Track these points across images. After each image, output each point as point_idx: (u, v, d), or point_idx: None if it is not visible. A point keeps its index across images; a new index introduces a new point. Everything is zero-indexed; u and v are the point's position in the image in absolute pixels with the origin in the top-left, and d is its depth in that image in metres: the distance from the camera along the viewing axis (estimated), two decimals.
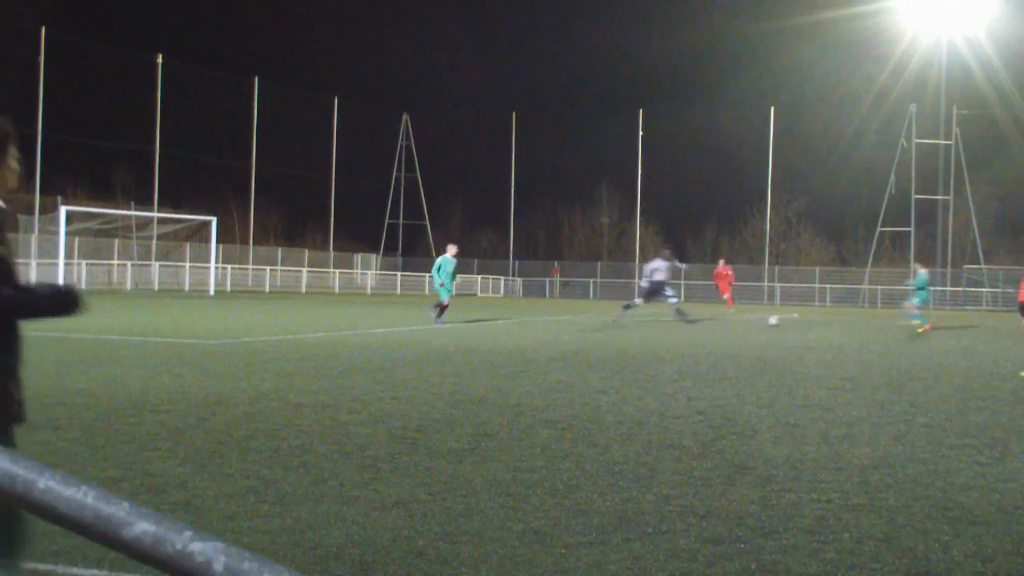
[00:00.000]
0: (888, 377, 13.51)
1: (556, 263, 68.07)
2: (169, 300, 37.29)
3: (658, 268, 26.59)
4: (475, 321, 24.83)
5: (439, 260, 24.58)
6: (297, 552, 4.75)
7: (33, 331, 20.36)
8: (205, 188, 58.39)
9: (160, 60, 51.56)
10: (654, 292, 26.60)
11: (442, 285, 24.34)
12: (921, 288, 26.24)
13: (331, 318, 27.04)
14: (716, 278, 39.78)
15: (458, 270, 25.70)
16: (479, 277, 64.43)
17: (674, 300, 27.42)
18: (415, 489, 6.06)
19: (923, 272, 26.71)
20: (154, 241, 50.49)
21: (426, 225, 71.17)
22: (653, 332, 23.66)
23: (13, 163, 3.86)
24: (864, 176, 66.17)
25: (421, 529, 5.17)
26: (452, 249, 24.88)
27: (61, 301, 3.70)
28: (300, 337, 18.89)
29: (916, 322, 25.98)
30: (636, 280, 64.28)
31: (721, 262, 41.23)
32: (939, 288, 56.54)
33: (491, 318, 28.52)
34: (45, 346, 15.22)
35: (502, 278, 66.46)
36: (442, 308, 24.37)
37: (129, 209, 50.20)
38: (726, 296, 39.58)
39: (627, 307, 27.07)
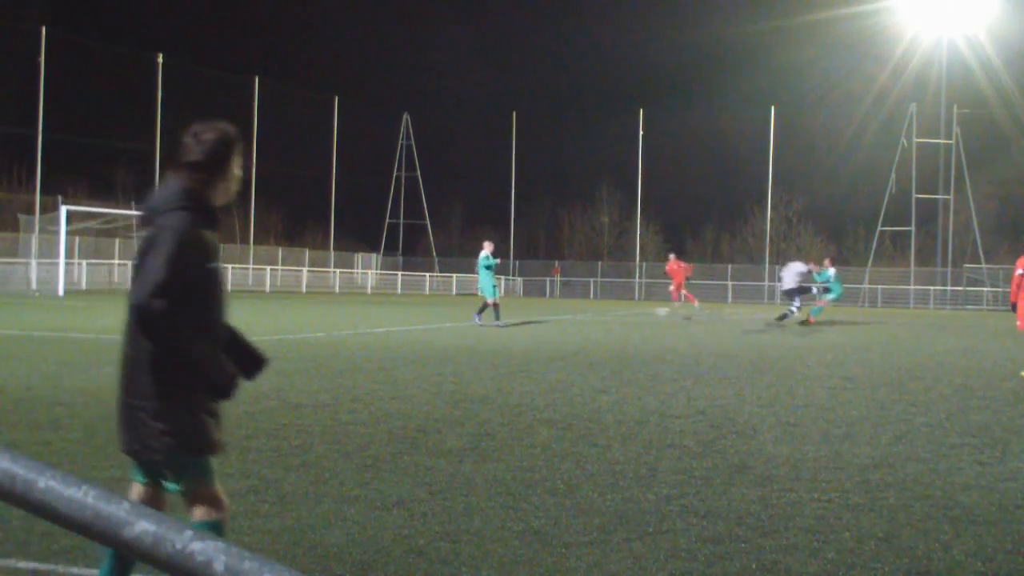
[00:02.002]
0: (888, 377, 13.51)
1: (556, 263, 68.07)
2: None
3: (798, 271, 27.19)
4: (525, 323, 24.87)
5: (489, 260, 23.88)
6: (297, 552, 4.75)
7: (32, 331, 20.25)
8: None
9: (160, 60, 51.57)
10: (803, 291, 27.15)
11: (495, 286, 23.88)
12: (831, 283, 26.83)
13: (331, 318, 27.04)
14: (670, 273, 38.19)
15: (476, 269, 24.89)
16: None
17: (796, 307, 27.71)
18: (415, 489, 6.06)
19: (831, 269, 27.21)
20: None
21: (426, 225, 71.20)
22: (653, 332, 23.67)
23: (238, 171, 3.78)
24: (864, 176, 66.25)
25: (421, 529, 5.17)
26: (489, 246, 24.37)
27: (226, 386, 3.63)
28: (300, 337, 18.90)
29: (812, 318, 26.78)
30: (637, 279, 64.29)
31: (672, 256, 38.56)
32: (939, 288, 56.56)
33: (537, 320, 28.53)
34: (45, 346, 15.22)
35: (502, 277, 66.43)
36: (494, 306, 23.59)
37: (130, 209, 50.18)
38: (676, 291, 38.07)
39: (785, 316, 27.03)
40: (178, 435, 3.54)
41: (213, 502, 3.68)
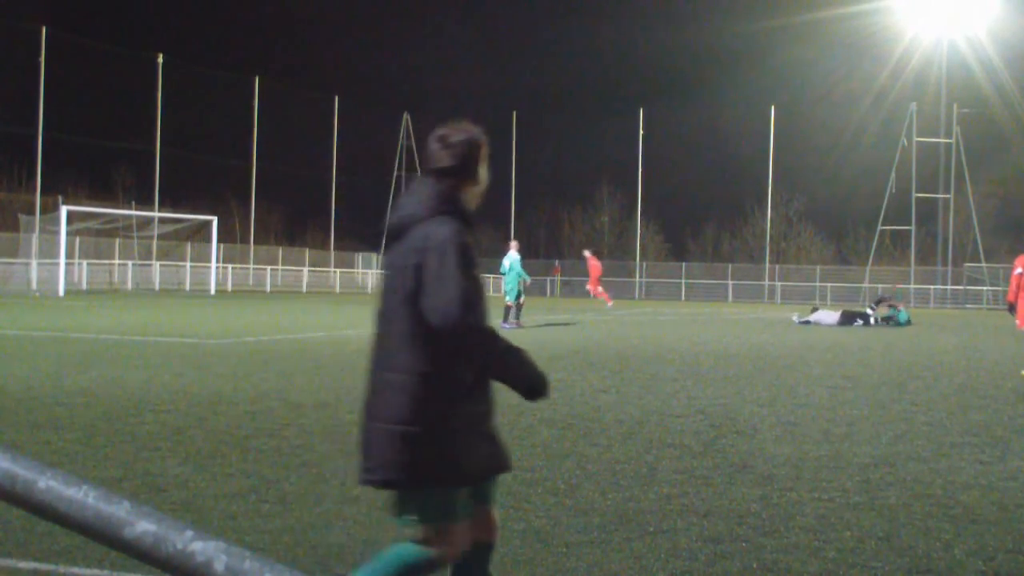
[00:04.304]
0: (888, 376, 13.50)
1: (557, 262, 68.04)
2: (170, 299, 37.29)
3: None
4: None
5: (515, 260, 23.93)
6: (298, 551, 4.75)
7: (32, 331, 20.24)
8: (205, 188, 58.41)
9: (160, 59, 51.56)
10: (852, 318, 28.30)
11: (524, 284, 23.90)
12: (899, 314, 28.87)
13: (332, 317, 27.04)
14: (590, 270, 36.77)
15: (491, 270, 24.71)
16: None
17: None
18: None
19: (901, 310, 29.17)
20: (155, 241, 50.47)
21: None
22: (653, 332, 23.66)
23: (486, 174, 3.61)
24: (864, 175, 66.21)
25: None
26: (515, 245, 24.55)
27: (536, 384, 3.54)
28: (301, 336, 18.89)
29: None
30: (637, 279, 64.31)
31: (586, 252, 36.81)
32: (939, 286, 56.57)
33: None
34: (45, 346, 15.22)
35: (503, 277, 66.29)
36: (507, 308, 23.55)
37: (130, 209, 50.21)
38: (596, 289, 36.61)
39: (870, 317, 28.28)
40: (442, 462, 3.35)
41: (439, 542, 3.41)
